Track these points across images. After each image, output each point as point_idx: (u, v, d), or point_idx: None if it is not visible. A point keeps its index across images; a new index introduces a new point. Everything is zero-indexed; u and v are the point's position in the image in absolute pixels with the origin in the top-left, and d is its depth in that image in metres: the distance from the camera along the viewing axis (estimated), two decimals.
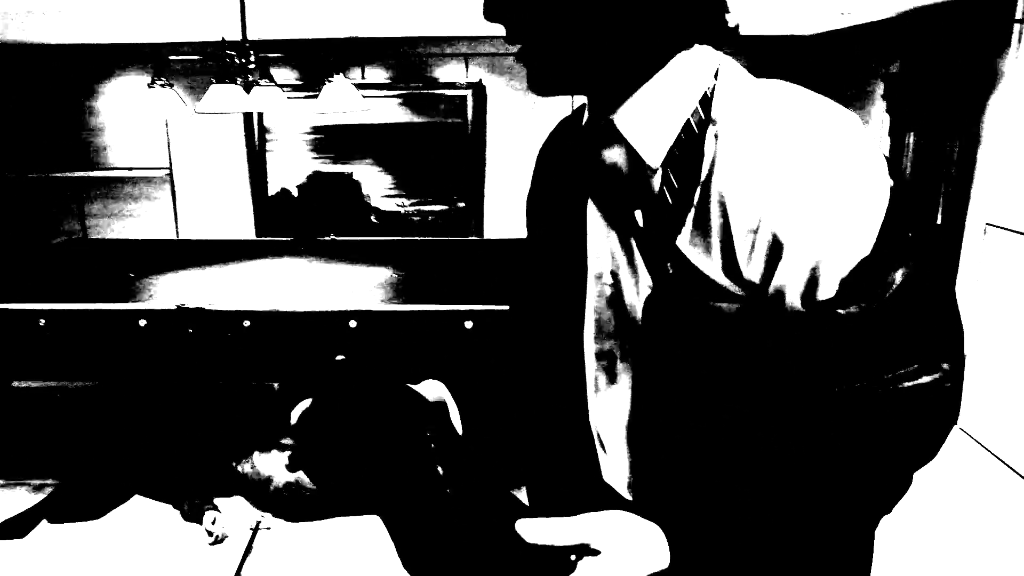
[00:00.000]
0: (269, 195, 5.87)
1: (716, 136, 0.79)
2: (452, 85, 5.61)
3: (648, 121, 0.82)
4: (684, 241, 0.81)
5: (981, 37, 3.55)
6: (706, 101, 0.81)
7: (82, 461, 3.19)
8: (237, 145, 5.78)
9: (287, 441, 0.91)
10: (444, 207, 5.89)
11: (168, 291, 3.35)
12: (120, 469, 3.13)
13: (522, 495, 0.96)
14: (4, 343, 3.00)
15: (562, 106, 5.08)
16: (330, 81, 3.34)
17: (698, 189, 0.79)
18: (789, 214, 0.74)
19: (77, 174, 5.82)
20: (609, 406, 0.94)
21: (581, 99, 0.91)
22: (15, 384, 3.11)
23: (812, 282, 0.75)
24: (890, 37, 4.43)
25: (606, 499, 0.96)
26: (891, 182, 0.75)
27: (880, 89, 4.46)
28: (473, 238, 5.76)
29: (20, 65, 5.61)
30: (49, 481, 3.15)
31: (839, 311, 0.75)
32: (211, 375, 3.08)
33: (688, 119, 0.81)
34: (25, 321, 2.93)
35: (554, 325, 1.00)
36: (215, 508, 2.86)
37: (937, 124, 3.88)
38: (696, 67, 0.82)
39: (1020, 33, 3.33)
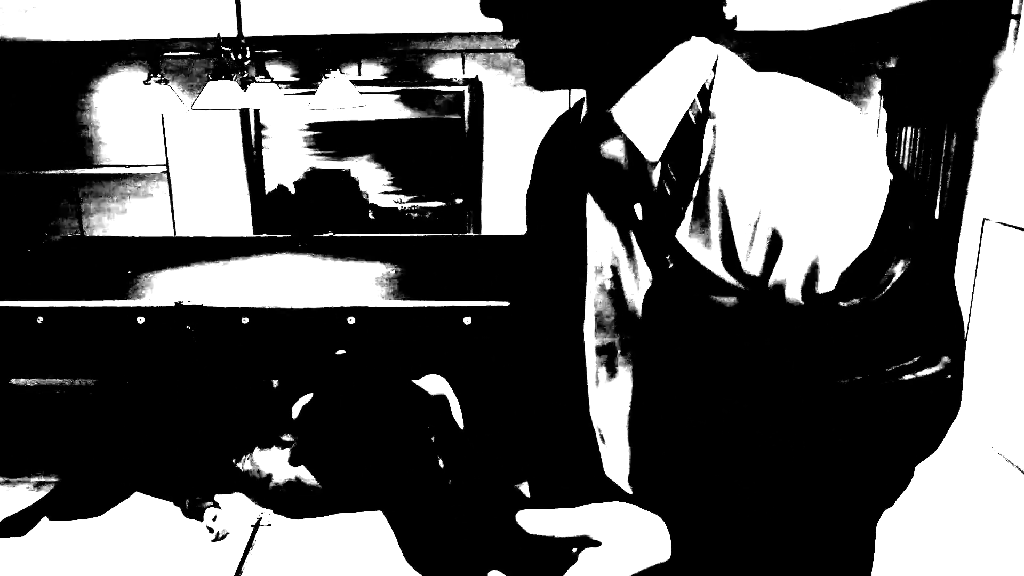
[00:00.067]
0: (266, 192, 5.87)
1: (714, 129, 0.79)
2: (449, 81, 5.61)
3: (646, 114, 0.82)
4: (683, 234, 0.81)
5: (978, 33, 3.56)
6: (704, 94, 0.81)
7: (82, 458, 3.19)
8: (234, 142, 5.78)
9: (287, 437, 0.91)
10: (441, 203, 5.89)
11: (166, 288, 3.35)
12: (120, 466, 3.13)
13: (524, 490, 0.96)
14: (2, 341, 2.99)
15: (559, 102, 5.08)
16: (327, 77, 3.34)
17: (697, 182, 0.79)
18: (788, 207, 0.74)
19: (74, 171, 5.81)
20: (610, 400, 0.94)
21: (578, 94, 0.91)
22: (14, 382, 3.11)
23: (812, 275, 0.75)
24: (887, 33, 4.43)
25: (607, 492, 0.97)
26: (890, 175, 0.75)
27: (877, 85, 4.47)
28: (470, 234, 5.76)
29: (16, 62, 5.59)
30: (49, 479, 3.15)
31: (839, 304, 0.75)
32: (210, 372, 3.08)
33: (687, 112, 0.81)
34: (23, 319, 2.93)
35: (554, 319, 1.00)
36: (215, 505, 2.86)
37: (934, 120, 3.88)
38: (694, 60, 0.82)
39: (1016, 29, 3.34)
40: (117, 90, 5.68)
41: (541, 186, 1.06)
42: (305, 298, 3.05)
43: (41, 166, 5.78)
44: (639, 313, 0.87)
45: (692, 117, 0.80)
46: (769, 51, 5.36)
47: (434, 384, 1.01)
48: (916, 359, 0.76)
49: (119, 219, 5.95)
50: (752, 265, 0.78)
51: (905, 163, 4.11)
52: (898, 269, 0.74)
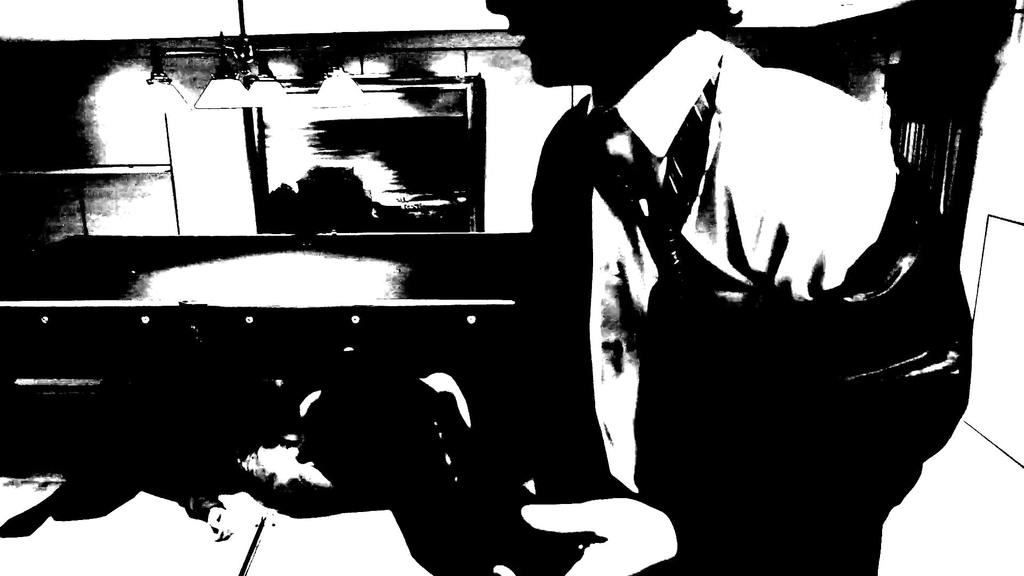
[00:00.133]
0: (270, 191, 5.87)
1: (720, 125, 0.78)
2: (452, 79, 5.60)
3: (652, 110, 0.81)
4: (689, 230, 0.80)
5: (981, 28, 3.54)
6: (710, 89, 0.80)
7: (87, 459, 3.19)
8: (237, 141, 5.78)
9: (291, 437, 0.92)
10: (445, 202, 5.89)
11: (170, 288, 3.35)
12: (125, 466, 3.14)
13: (530, 488, 0.96)
14: (7, 341, 3.00)
15: (562, 99, 5.07)
16: (329, 76, 3.34)
17: (703, 178, 0.79)
18: (794, 202, 0.74)
19: (78, 171, 5.82)
20: (616, 397, 0.94)
21: (581, 91, 0.91)
22: (19, 382, 3.12)
23: (818, 271, 0.75)
24: (890, 28, 4.42)
25: (613, 490, 0.96)
26: (896, 169, 0.74)
27: (880, 81, 4.46)
28: (474, 232, 5.76)
29: (20, 62, 5.60)
30: (54, 479, 3.16)
31: (846, 300, 0.74)
32: (214, 372, 3.08)
33: (693, 107, 0.80)
34: (28, 319, 2.94)
35: (561, 316, 0.99)
36: (220, 505, 2.86)
37: (938, 116, 3.87)
38: (700, 55, 0.81)
39: (1020, 24, 3.33)
40: (120, 89, 5.69)
41: (547, 182, 1.05)
42: (309, 297, 3.06)
43: (45, 166, 5.79)
44: (645, 309, 0.86)
45: (698, 112, 0.80)
46: (772, 47, 5.35)
47: (441, 382, 1.00)
48: (923, 355, 0.75)
49: (123, 219, 5.96)
50: (758, 261, 0.78)
51: (909, 159, 4.09)
52: (905, 264, 0.73)
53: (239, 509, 2.87)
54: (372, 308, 2.96)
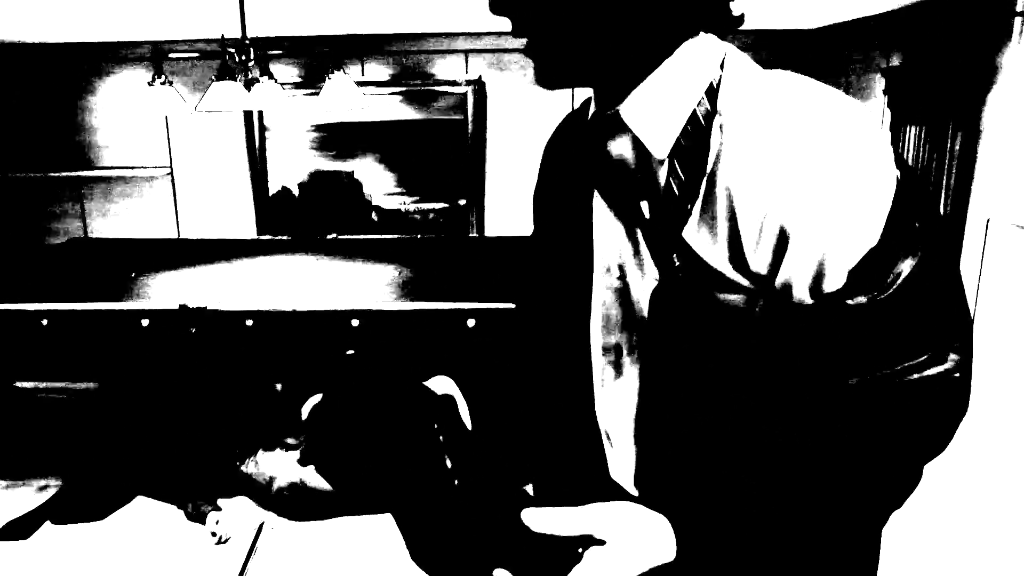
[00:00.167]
0: (270, 194, 5.87)
1: (722, 127, 0.78)
2: (452, 82, 5.61)
3: (654, 112, 0.81)
4: (690, 232, 0.80)
5: (982, 30, 3.55)
6: (712, 92, 0.80)
7: (85, 462, 3.19)
8: (237, 143, 5.78)
9: (291, 440, 0.92)
10: (445, 205, 5.89)
11: (170, 291, 3.35)
12: (123, 470, 3.13)
13: (530, 491, 0.96)
14: (7, 344, 3.00)
15: (563, 102, 5.07)
16: (330, 78, 3.34)
17: (704, 180, 0.79)
18: (795, 205, 0.74)
19: (78, 173, 5.82)
20: (616, 400, 0.94)
21: (582, 94, 0.91)
22: (18, 385, 3.11)
23: (819, 273, 0.75)
24: (890, 31, 4.42)
25: (613, 493, 0.96)
26: (897, 172, 0.74)
27: (880, 83, 4.46)
28: (474, 235, 5.76)
29: (20, 64, 5.60)
30: (53, 482, 3.15)
31: (847, 302, 0.74)
32: (214, 375, 3.08)
33: (694, 110, 0.80)
34: (27, 322, 2.93)
35: (561, 319, 0.99)
36: (218, 509, 2.86)
37: (938, 118, 3.87)
38: (702, 57, 0.81)
39: (1021, 26, 3.33)
40: (121, 92, 5.69)
41: (548, 185, 1.05)
42: (309, 300, 3.05)
43: (45, 168, 5.79)
44: (646, 312, 0.86)
45: (700, 115, 0.80)
46: (772, 50, 5.35)
47: (441, 385, 1.00)
48: (924, 357, 0.75)
49: (123, 221, 5.95)
50: (759, 263, 0.78)
51: (908, 162, 4.09)
52: (906, 267, 0.73)
53: (238, 513, 2.87)
54: (372, 311, 2.95)
